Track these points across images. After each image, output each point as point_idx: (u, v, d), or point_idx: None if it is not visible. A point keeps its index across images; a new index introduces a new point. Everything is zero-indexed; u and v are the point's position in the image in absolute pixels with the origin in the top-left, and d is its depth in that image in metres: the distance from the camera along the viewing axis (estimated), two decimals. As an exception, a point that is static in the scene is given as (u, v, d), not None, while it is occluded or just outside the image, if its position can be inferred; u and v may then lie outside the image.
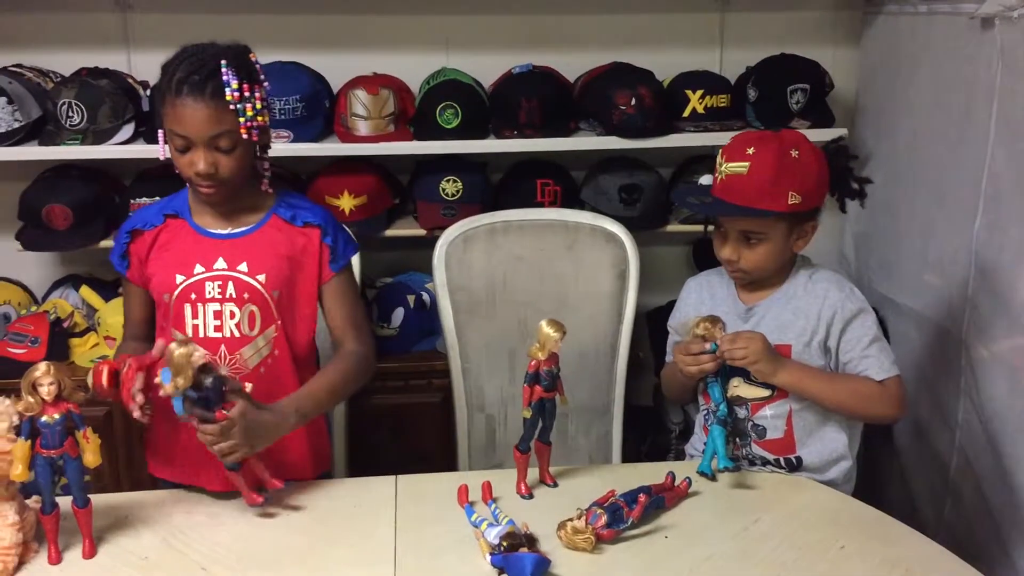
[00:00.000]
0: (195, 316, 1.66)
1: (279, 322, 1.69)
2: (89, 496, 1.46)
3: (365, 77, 2.50)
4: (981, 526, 2.03)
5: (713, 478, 1.66)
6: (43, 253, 2.59)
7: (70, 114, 2.34)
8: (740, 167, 1.70)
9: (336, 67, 2.54)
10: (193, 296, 1.66)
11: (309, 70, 2.49)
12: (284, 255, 1.69)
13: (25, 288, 2.65)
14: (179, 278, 1.67)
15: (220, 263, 1.66)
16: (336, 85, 2.54)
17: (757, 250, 1.76)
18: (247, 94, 1.56)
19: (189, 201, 1.72)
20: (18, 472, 1.37)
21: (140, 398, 1.47)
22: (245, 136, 1.57)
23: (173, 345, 1.42)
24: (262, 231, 1.70)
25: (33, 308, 2.56)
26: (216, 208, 1.68)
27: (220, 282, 1.66)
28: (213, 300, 1.66)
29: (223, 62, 1.55)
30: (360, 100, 2.43)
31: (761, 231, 1.74)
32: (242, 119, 1.56)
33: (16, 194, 2.46)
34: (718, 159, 1.77)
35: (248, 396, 1.53)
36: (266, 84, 1.63)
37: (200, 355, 1.43)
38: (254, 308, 1.67)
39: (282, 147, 2.38)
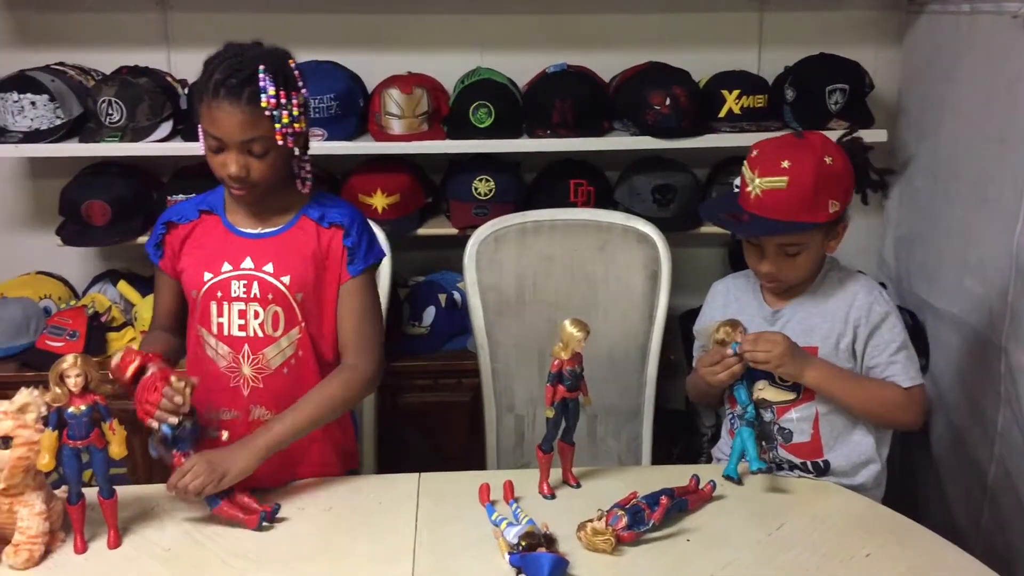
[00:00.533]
0: (220, 314, 1.67)
1: (303, 324, 1.69)
2: (115, 487, 1.48)
3: (399, 76, 2.51)
4: (1019, 536, 1.98)
5: (739, 482, 1.63)
6: (84, 248, 2.63)
7: (110, 112, 2.37)
8: (778, 182, 1.65)
9: (371, 66, 2.55)
10: (219, 294, 1.67)
11: (344, 69, 2.51)
12: (310, 257, 1.68)
13: (66, 283, 2.70)
14: (207, 275, 1.68)
15: (247, 262, 1.67)
16: (371, 84, 2.55)
17: (797, 261, 1.74)
18: (283, 101, 1.55)
19: (224, 198, 1.73)
20: (44, 462, 1.39)
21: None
22: (280, 142, 1.57)
23: (174, 379, 1.50)
24: (290, 232, 1.69)
25: (72, 302, 2.60)
26: (249, 208, 1.69)
27: (246, 281, 1.66)
28: (238, 299, 1.66)
29: (261, 67, 1.54)
30: (394, 99, 2.44)
31: (801, 242, 1.71)
32: (277, 126, 1.55)
33: (57, 190, 2.51)
34: (747, 172, 1.71)
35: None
36: (304, 91, 1.61)
37: (188, 400, 1.51)
38: (278, 309, 1.67)
39: (316, 145, 2.33)
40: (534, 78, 2.56)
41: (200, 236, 1.72)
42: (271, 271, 1.66)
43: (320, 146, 2.40)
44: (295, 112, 1.57)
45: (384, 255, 1.78)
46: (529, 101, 2.51)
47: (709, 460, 2.38)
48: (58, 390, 1.41)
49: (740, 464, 1.63)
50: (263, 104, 1.53)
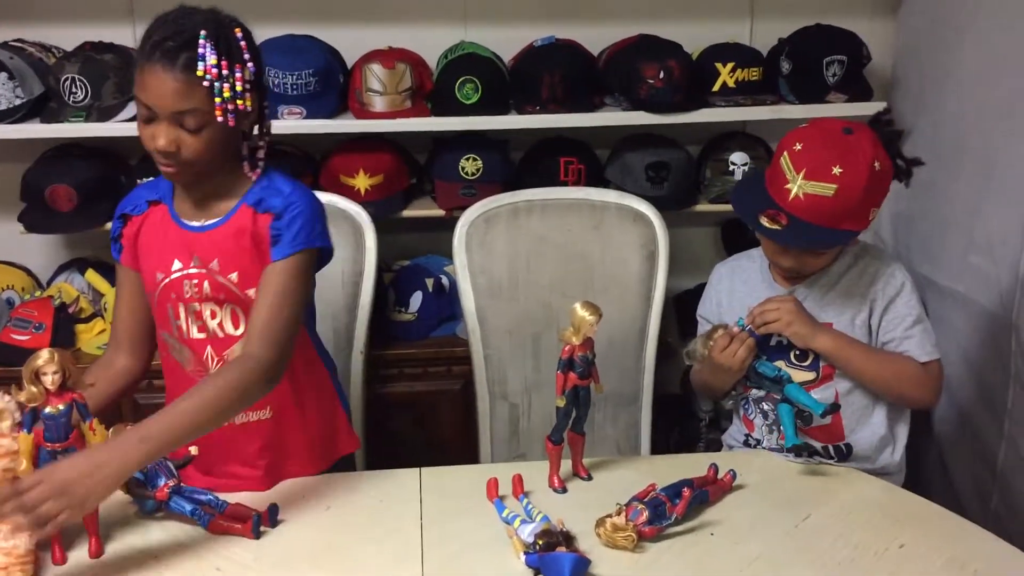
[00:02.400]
0: (177, 316, 1.54)
1: None
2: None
3: (380, 51, 2.40)
4: (1033, 519, 1.93)
5: (805, 448, 1.56)
6: (47, 236, 2.49)
7: (73, 90, 2.24)
8: (825, 189, 1.56)
9: (350, 41, 2.43)
10: (173, 295, 1.54)
11: (322, 44, 2.38)
12: (251, 248, 1.52)
13: (29, 272, 2.56)
14: (159, 275, 1.54)
15: (195, 260, 1.52)
16: (350, 60, 2.43)
17: (821, 258, 1.69)
18: (225, 72, 1.39)
19: (173, 184, 1.56)
20: (23, 468, 1.28)
21: None
22: (220, 119, 1.41)
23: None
24: (230, 223, 1.52)
25: (37, 293, 2.47)
26: (190, 192, 1.53)
27: (196, 280, 1.52)
28: (192, 300, 1.53)
29: (203, 32, 1.38)
30: (376, 75, 2.33)
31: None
32: (218, 100, 1.40)
33: (18, 174, 2.37)
34: (787, 167, 1.60)
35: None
36: (250, 65, 1.44)
37: None
38: (234, 307, 1.53)
39: (294, 124, 2.29)
40: (521, 52, 2.46)
41: (149, 231, 1.57)
42: (217, 268, 1.51)
43: (299, 124, 2.30)
44: (238, 87, 1.41)
45: (324, 247, 1.55)
46: (516, 76, 2.41)
47: (709, 446, 2.32)
48: (34, 389, 1.29)
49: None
50: (200, 72, 1.38)
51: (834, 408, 1.58)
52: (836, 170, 1.55)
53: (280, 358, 1.47)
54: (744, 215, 1.69)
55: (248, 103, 1.44)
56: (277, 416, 1.59)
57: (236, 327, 1.55)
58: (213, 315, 1.54)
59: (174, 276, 1.53)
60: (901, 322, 1.69)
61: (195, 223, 1.54)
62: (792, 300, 1.65)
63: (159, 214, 1.57)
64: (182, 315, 1.55)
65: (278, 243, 1.50)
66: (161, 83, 1.39)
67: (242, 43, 1.44)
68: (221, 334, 1.55)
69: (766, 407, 1.66)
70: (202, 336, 1.55)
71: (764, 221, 1.61)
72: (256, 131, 1.53)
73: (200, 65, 1.38)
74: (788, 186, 1.59)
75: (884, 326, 1.69)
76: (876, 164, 1.57)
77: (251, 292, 1.52)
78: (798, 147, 1.60)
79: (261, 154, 1.53)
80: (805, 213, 1.58)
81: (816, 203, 1.57)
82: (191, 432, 1.35)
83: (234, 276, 1.52)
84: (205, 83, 1.39)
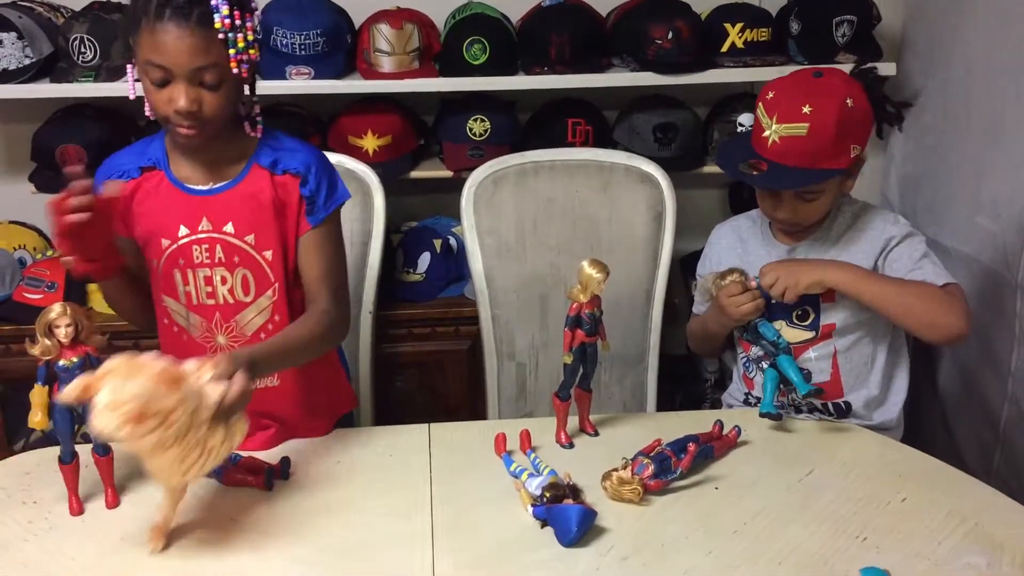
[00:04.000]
0: (186, 283, 1.54)
1: (276, 285, 1.56)
2: (109, 444, 1.39)
3: (388, 11, 2.39)
4: (1034, 478, 1.96)
5: (779, 417, 1.58)
6: (58, 196, 2.50)
7: (82, 50, 2.24)
8: (798, 129, 1.57)
9: (358, 1, 2.42)
10: (181, 261, 1.53)
11: (330, 3, 2.37)
12: (271, 209, 1.52)
13: (40, 232, 2.57)
14: (164, 242, 1.52)
15: (205, 224, 1.50)
16: (358, 20, 2.42)
17: (814, 205, 1.68)
18: (238, 22, 1.38)
19: (167, 148, 1.53)
20: (37, 420, 1.30)
21: None
22: (235, 70, 1.39)
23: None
24: (244, 184, 1.51)
25: (49, 253, 2.48)
26: (195, 156, 1.51)
27: (207, 245, 1.51)
28: (202, 265, 1.52)
29: None
30: (383, 35, 2.32)
31: (820, 189, 1.65)
32: (232, 51, 1.38)
33: (29, 134, 2.38)
34: (762, 116, 1.62)
35: None
36: (258, 13, 1.43)
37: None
38: (246, 272, 1.53)
39: (302, 84, 2.29)
40: (528, 12, 2.44)
41: (147, 198, 1.53)
42: (232, 232, 1.51)
43: (307, 85, 2.30)
44: (249, 36, 1.40)
45: (347, 196, 1.60)
46: (524, 37, 2.40)
47: (715, 406, 2.34)
48: (47, 342, 1.31)
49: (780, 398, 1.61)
50: (217, 25, 1.36)
51: (818, 392, 1.57)
52: (806, 109, 1.56)
53: (347, 315, 1.61)
54: (725, 167, 1.71)
55: (257, 52, 1.43)
56: (284, 382, 1.60)
57: (246, 293, 1.55)
58: (224, 281, 1.53)
59: (182, 242, 1.51)
60: (908, 259, 1.65)
61: (202, 187, 1.52)
62: (780, 262, 1.64)
63: (155, 180, 1.53)
64: (191, 281, 1.54)
65: (313, 209, 1.54)
66: (177, 41, 1.36)
67: None
68: (232, 300, 1.55)
69: (766, 366, 1.67)
70: (211, 303, 1.55)
71: (744, 169, 1.63)
72: (248, 90, 1.50)
73: (216, 17, 1.36)
74: (765, 134, 1.61)
75: (889, 265, 1.67)
76: (848, 101, 1.58)
77: (267, 254, 1.53)
78: (771, 95, 1.62)
79: (258, 109, 1.51)
80: (783, 157, 1.59)
81: (792, 144, 1.58)
82: (284, 360, 1.46)
83: (251, 239, 1.52)
84: (221, 35, 1.37)
